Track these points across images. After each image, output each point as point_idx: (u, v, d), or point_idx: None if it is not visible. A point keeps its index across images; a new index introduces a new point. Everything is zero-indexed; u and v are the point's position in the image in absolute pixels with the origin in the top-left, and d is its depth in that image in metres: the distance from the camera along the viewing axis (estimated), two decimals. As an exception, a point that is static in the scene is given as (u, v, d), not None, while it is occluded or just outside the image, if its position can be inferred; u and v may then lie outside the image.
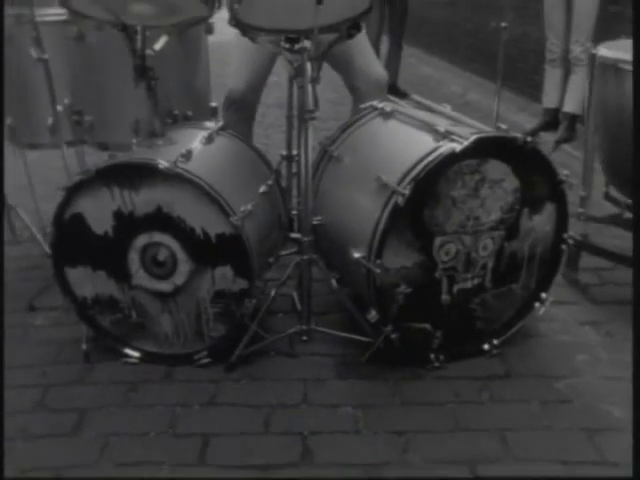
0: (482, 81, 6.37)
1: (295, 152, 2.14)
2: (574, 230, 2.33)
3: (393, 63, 6.04)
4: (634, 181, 1.81)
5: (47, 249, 2.29)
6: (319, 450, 1.54)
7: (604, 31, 4.02)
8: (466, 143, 1.66)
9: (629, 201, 2.23)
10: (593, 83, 2.12)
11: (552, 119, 4.37)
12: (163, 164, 1.67)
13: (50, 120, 2.29)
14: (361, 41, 2.26)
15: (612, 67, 2.01)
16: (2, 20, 2.34)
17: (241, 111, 2.49)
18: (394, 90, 5.74)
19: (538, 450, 1.56)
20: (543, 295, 1.99)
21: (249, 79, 2.47)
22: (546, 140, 4.25)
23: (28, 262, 2.55)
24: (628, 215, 2.25)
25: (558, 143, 4.08)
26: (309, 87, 1.74)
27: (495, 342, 1.95)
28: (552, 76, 4.32)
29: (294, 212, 2.17)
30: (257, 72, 2.47)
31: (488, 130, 1.81)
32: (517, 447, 1.57)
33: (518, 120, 4.97)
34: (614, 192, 2.32)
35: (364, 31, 1.97)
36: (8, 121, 2.40)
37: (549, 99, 4.37)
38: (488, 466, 1.50)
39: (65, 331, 2.05)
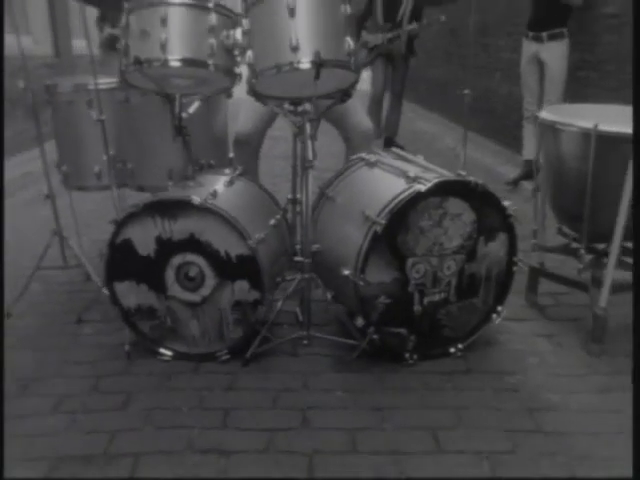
0: (472, 135, 6.92)
1: (299, 195, 2.63)
2: (534, 259, 2.81)
3: (393, 118, 6.54)
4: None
5: (92, 273, 2.79)
6: (315, 419, 1.98)
7: (573, 93, 4.57)
8: (429, 185, 2.15)
9: (575, 234, 2.70)
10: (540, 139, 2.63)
11: (530, 170, 4.86)
12: (196, 200, 2.16)
13: (97, 167, 2.82)
14: (353, 103, 2.77)
15: (551, 127, 2.51)
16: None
17: (247, 149, 3.02)
18: (392, 144, 6.25)
19: (487, 421, 1.99)
20: (499, 308, 2.44)
21: (254, 124, 3.01)
22: (526, 188, 4.74)
23: (74, 286, 3.03)
24: (575, 245, 2.69)
25: (535, 191, 4.55)
26: (309, 142, 2.25)
27: (460, 346, 2.39)
28: (529, 132, 4.84)
29: (298, 246, 2.64)
30: (261, 120, 3.00)
31: (448, 175, 2.30)
32: (470, 420, 2.00)
33: (504, 170, 5.48)
34: (564, 228, 2.79)
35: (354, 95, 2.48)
36: (63, 168, 2.93)
37: (527, 152, 4.87)
38: (446, 432, 1.93)
39: (109, 338, 2.51)
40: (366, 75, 6.81)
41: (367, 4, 6.19)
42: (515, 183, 4.96)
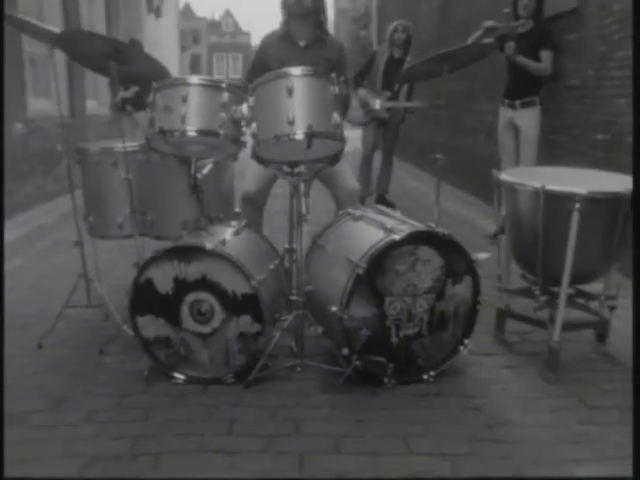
0: (459, 192, 7.41)
1: (294, 246, 3.04)
2: (502, 302, 3.21)
3: (384, 177, 7.00)
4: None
5: (114, 312, 3.19)
6: (305, 428, 2.36)
7: (546, 155, 5.06)
8: (403, 235, 2.58)
9: (533, 279, 3.11)
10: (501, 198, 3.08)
11: (508, 224, 5.30)
12: (209, 246, 2.59)
13: (120, 218, 3.25)
14: (341, 166, 3.22)
15: (510, 187, 2.96)
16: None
17: (253, 206, 3.49)
18: (383, 200, 6.71)
19: (451, 432, 2.37)
20: (466, 341, 2.83)
21: (258, 184, 3.48)
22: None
23: (95, 323, 3.41)
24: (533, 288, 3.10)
25: (500, 242, 4.98)
26: (303, 199, 2.69)
27: (432, 373, 2.77)
28: (507, 190, 5.31)
29: (294, 291, 3.02)
30: (265, 180, 3.47)
31: (420, 226, 2.73)
32: (437, 431, 2.38)
33: (485, 225, 5.93)
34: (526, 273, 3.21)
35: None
36: (90, 219, 3.35)
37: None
38: (415, 439, 2.31)
39: (128, 365, 2.89)
40: (353, 134, 7.29)
41: (366, 64, 6.75)
42: (495, 236, 5.38)
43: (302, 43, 3.56)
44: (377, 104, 6.48)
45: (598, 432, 2.40)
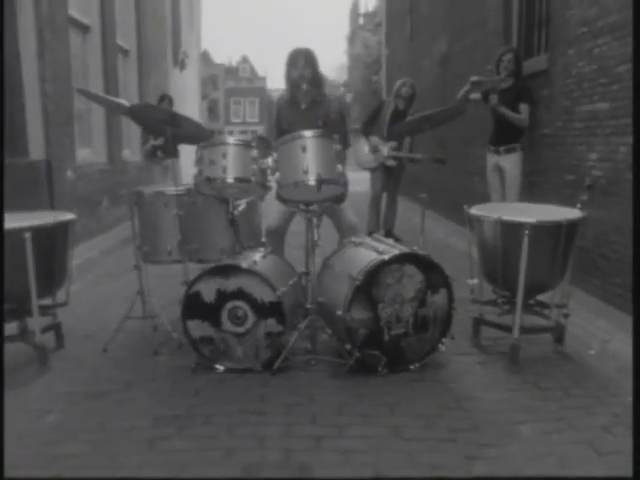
0: (460, 228, 8.16)
1: (310, 269, 3.82)
2: (477, 312, 3.97)
3: (390, 215, 7.84)
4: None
5: (165, 322, 3.99)
6: (319, 399, 3.16)
7: (528, 193, 5.84)
8: (391, 255, 3.39)
9: (502, 292, 3.87)
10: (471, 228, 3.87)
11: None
12: (244, 265, 3.41)
13: (169, 247, 4.07)
14: (345, 205, 4.06)
15: (477, 219, 3.76)
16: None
17: (276, 237, 4.34)
18: (391, 235, 7.50)
19: (428, 402, 3.12)
20: (443, 340, 3.59)
21: (279, 219, 4.33)
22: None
23: (146, 333, 4.18)
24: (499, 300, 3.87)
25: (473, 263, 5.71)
26: (315, 230, 3.52)
27: (417, 365, 3.53)
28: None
29: (309, 301, 3.81)
30: (285, 216, 4.31)
31: (405, 249, 3.53)
32: (415, 402, 3.14)
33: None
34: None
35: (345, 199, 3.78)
36: (144, 248, 4.18)
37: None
38: (398, 407, 3.07)
39: (178, 362, 3.66)
40: (365, 177, 8.14)
41: (373, 112, 7.62)
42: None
43: (303, 106, 4.41)
44: (385, 151, 7.34)
45: (541, 404, 3.14)
